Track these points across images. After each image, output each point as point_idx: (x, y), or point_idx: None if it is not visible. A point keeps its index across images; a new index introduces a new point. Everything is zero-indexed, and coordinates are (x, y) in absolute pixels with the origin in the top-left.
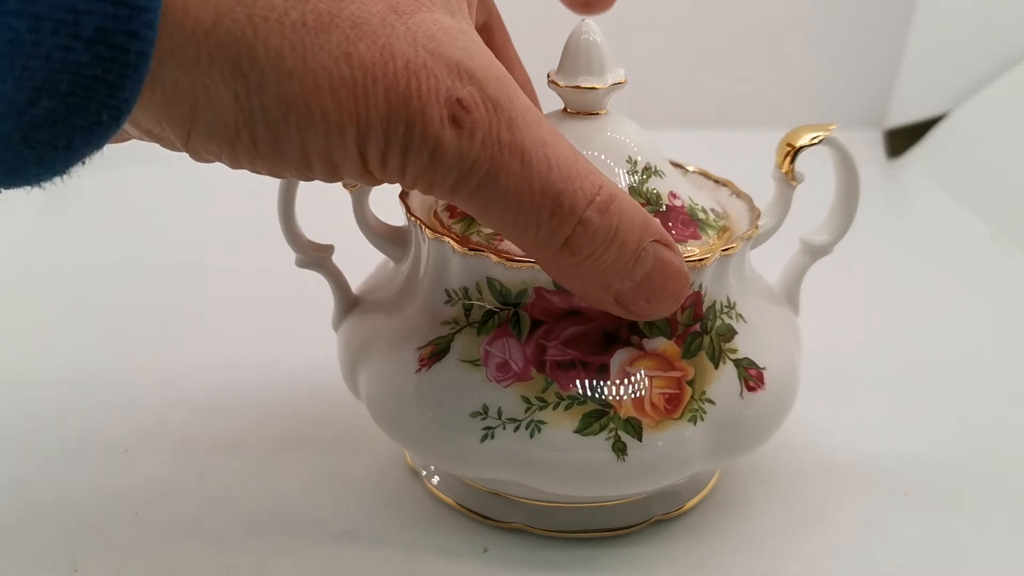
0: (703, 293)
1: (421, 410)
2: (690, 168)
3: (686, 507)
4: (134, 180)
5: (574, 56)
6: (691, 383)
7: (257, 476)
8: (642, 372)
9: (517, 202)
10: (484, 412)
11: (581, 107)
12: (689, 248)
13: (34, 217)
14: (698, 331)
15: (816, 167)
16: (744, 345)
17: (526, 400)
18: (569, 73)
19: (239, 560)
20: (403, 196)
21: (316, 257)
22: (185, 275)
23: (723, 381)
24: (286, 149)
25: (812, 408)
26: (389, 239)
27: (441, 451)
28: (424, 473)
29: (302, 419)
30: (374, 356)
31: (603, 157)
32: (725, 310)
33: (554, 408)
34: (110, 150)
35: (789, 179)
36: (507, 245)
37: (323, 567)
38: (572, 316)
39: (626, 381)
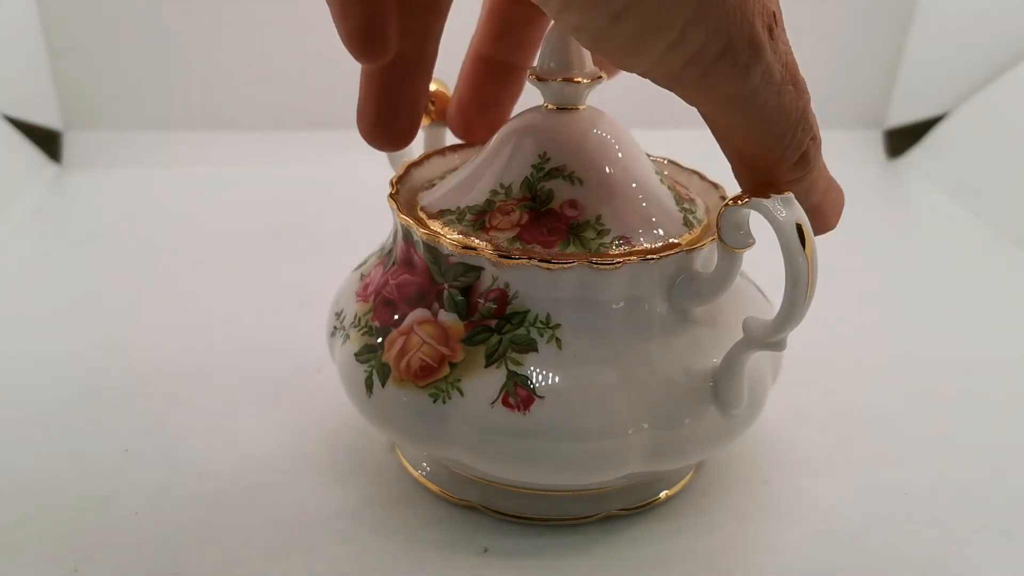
0: (510, 295)
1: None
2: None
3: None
4: (135, 181)
5: (553, 51)
6: (453, 365)
7: (256, 477)
8: (421, 335)
9: (783, 118)
10: (339, 315)
11: (560, 102)
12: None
13: (32, 216)
14: (491, 327)
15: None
16: (537, 366)
17: (357, 316)
18: (548, 67)
19: (239, 560)
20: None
21: None
22: (185, 276)
23: (484, 381)
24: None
25: (811, 408)
26: None
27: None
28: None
29: (300, 421)
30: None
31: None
32: (539, 325)
33: (358, 329)
34: (109, 149)
35: (726, 248)
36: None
37: (323, 567)
38: (407, 265)
39: (406, 335)
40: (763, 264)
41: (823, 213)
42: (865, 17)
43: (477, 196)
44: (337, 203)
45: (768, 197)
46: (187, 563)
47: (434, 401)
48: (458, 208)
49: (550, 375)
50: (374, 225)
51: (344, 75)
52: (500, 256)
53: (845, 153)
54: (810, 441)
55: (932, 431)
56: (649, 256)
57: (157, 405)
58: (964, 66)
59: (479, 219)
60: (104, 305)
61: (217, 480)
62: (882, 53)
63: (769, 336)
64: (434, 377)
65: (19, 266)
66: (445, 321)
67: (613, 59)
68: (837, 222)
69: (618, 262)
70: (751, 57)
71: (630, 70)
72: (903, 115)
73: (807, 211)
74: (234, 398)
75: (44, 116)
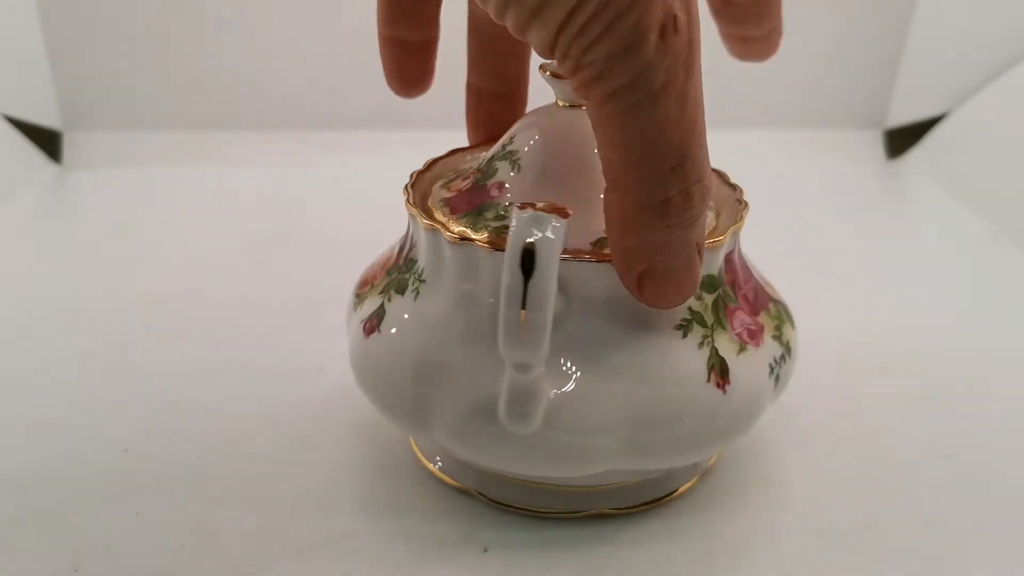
0: (412, 244)
1: None
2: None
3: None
4: (135, 181)
5: None
6: (372, 287)
7: (257, 476)
8: (380, 260)
9: (653, 139)
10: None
11: (564, 99)
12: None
13: (32, 216)
14: (399, 267)
15: (811, 165)
16: (396, 307)
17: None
18: (552, 64)
19: (240, 560)
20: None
21: None
22: (186, 276)
23: (371, 304)
24: None
25: (811, 408)
26: None
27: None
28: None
29: (301, 420)
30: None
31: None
32: (415, 275)
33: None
34: (109, 149)
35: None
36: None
37: (325, 568)
38: None
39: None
40: (771, 267)
41: (660, 285)
42: (865, 17)
43: (469, 164)
44: (338, 203)
45: (523, 208)
46: (187, 563)
47: (354, 309)
48: (454, 170)
49: (397, 318)
50: (374, 225)
51: (345, 75)
52: (409, 208)
53: (845, 153)
54: (810, 441)
55: (933, 431)
56: (464, 240)
57: (157, 405)
58: (964, 66)
59: (450, 181)
60: (104, 305)
61: (217, 480)
62: (882, 53)
63: (504, 355)
64: (363, 289)
65: (19, 266)
66: (392, 253)
67: (524, 29)
68: (669, 306)
69: (452, 234)
70: (630, 45)
71: (543, 45)
72: (903, 115)
73: (644, 273)
74: (235, 398)
75: (44, 116)
